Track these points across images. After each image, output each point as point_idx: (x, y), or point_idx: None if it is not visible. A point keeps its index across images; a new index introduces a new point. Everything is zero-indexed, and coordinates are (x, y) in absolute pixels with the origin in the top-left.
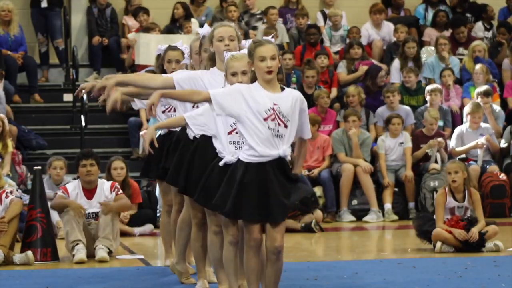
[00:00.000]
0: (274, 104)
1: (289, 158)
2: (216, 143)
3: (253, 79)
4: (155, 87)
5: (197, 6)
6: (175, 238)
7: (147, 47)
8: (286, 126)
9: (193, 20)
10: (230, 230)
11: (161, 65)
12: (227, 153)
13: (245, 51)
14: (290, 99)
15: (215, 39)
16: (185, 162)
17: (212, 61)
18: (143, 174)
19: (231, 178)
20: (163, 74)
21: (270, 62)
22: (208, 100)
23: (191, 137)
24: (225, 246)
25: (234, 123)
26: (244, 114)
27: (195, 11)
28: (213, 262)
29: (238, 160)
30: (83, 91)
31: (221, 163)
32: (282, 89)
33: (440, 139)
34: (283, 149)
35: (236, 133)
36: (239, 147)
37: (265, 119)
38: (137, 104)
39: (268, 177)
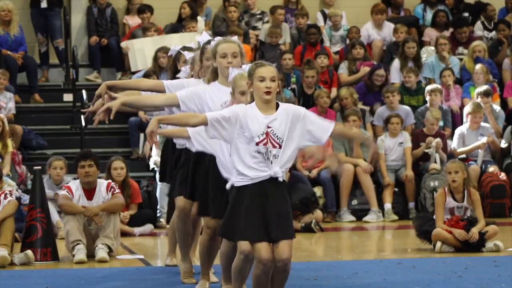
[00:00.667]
0: (268, 127)
1: (281, 178)
2: (220, 166)
3: (251, 101)
4: (160, 105)
5: (199, 6)
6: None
7: (142, 52)
8: (280, 147)
9: (199, 18)
10: (242, 244)
11: (174, 66)
12: (232, 174)
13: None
14: (285, 118)
15: (218, 55)
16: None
17: (214, 75)
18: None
19: (230, 204)
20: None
21: (269, 83)
22: (205, 123)
23: (192, 150)
24: (237, 256)
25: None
26: (237, 139)
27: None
28: (222, 265)
29: (232, 186)
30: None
31: (228, 186)
32: (277, 106)
33: (438, 139)
34: (275, 171)
35: (264, 144)
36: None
37: (257, 144)
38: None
39: (264, 196)
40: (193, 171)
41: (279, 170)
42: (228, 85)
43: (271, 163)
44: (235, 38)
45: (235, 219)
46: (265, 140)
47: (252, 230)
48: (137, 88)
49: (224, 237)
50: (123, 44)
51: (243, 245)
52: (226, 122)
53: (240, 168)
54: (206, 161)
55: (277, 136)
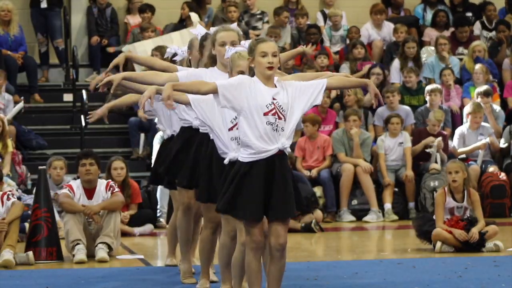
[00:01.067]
0: (273, 99)
1: (288, 150)
2: (217, 142)
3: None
4: (160, 83)
5: (201, 8)
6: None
7: (145, 54)
8: (285, 120)
9: (191, 14)
10: (243, 236)
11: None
12: (230, 150)
13: (246, 44)
14: (286, 91)
15: (217, 43)
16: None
17: (212, 60)
18: (155, 182)
19: (234, 179)
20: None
21: (271, 58)
22: (215, 91)
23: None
24: (237, 248)
25: (234, 119)
26: (247, 108)
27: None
28: (220, 263)
29: (238, 161)
30: (97, 84)
31: (225, 161)
32: (275, 86)
33: (439, 139)
34: (282, 142)
35: (237, 129)
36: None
37: (265, 114)
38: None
39: (271, 174)
40: (194, 156)
41: (286, 141)
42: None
43: (279, 135)
44: (234, 25)
45: (240, 198)
46: (274, 110)
47: (257, 209)
48: (152, 66)
49: (227, 213)
50: (124, 49)
51: (244, 237)
52: (235, 90)
53: (250, 140)
54: (209, 146)
55: (282, 108)
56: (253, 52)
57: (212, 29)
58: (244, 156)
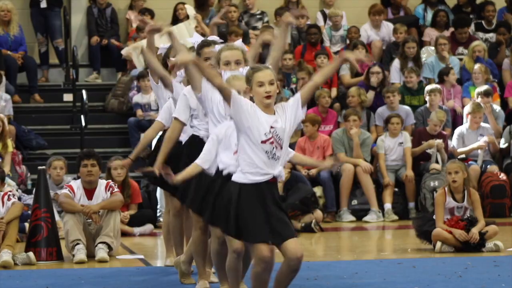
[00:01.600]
0: (271, 128)
1: (282, 179)
2: (224, 157)
3: None
4: (215, 85)
5: (203, 11)
6: (171, 239)
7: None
8: (281, 148)
9: (187, 6)
10: (234, 242)
11: (164, 63)
12: (234, 166)
13: (245, 71)
14: (283, 117)
15: (222, 63)
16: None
17: None
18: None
19: (227, 198)
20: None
21: (268, 87)
22: (228, 93)
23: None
24: (229, 255)
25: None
26: (245, 130)
27: (199, 14)
28: (217, 267)
29: (232, 181)
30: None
31: (225, 172)
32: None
33: (439, 140)
34: (279, 170)
35: (271, 143)
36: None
37: (262, 142)
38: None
39: (264, 198)
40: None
41: (282, 169)
42: None
43: (276, 162)
44: (238, 42)
45: (241, 219)
46: (271, 139)
47: (262, 231)
48: (208, 79)
49: (235, 237)
50: (124, 51)
51: (235, 244)
52: (244, 103)
53: (246, 167)
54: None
55: (278, 137)
56: (250, 81)
57: (216, 47)
58: (240, 176)
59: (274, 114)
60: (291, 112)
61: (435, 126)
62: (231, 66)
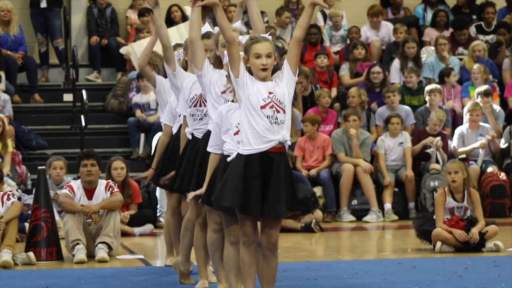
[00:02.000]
0: (270, 93)
1: (288, 143)
2: (228, 140)
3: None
4: (228, 38)
5: (205, 10)
6: (173, 239)
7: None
8: (284, 112)
9: (186, 7)
10: (232, 229)
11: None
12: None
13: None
14: (282, 83)
15: (220, 44)
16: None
17: (218, 61)
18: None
19: (231, 173)
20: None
21: (265, 59)
22: (236, 52)
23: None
24: (226, 246)
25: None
26: (244, 101)
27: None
28: (213, 260)
29: (238, 154)
30: None
31: (229, 159)
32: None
33: (438, 138)
34: (283, 135)
35: (270, 107)
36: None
37: (262, 107)
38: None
39: (268, 170)
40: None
41: (286, 133)
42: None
43: (280, 127)
44: (238, 24)
45: (238, 190)
46: (271, 104)
47: (256, 204)
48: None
49: (209, 204)
50: (122, 50)
51: (230, 236)
52: (242, 70)
53: (249, 135)
54: (201, 148)
55: (279, 101)
56: (248, 52)
57: (243, 37)
58: (244, 148)
59: (272, 81)
60: (287, 76)
61: (435, 126)
62: (263, 60)
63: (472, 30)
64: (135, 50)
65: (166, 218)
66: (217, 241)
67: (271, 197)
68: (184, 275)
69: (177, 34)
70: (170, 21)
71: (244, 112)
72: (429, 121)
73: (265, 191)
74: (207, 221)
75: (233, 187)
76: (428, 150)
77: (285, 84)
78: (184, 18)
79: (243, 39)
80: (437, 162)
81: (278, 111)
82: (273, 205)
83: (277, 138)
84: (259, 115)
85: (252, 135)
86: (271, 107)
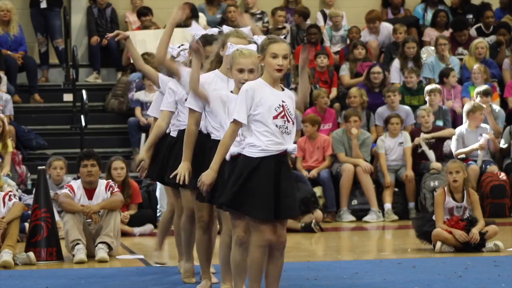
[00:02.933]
0: (283, 101)
1: (294, 155)
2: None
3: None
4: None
5: (212, 5)
6: (176, 239)
7: (143, 44)
8: (293, 123)
9: (200, 14)
10: (237, 231)
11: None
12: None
13: (251, 46)
14: (291, 97)
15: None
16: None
17: (218, 60)
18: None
19: (242, 174)
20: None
21: (282, 60)
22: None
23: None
24: (233, 247)
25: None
26: (253, 113)
27: (210, 9)
28: (221, 262)
29: (245, 156)
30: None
31: (227, 157)
32: (282, 89)
33: (422, 135)
34: (292, 146)
35: (282, 117)
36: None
37: (274, 117)
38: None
39: (278, 173)
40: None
41: (294, 145)
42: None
43: (289, 137)
44: (247, 30)
45: (246, 194)
46: (283, 113)
47: (266, 208)
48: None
49: (235, 209)
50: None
51: (239, 235)
52: (250, 103)
53: (256, 141)
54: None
55: (290, 112)
56: (264, 51)
57: (225, 28)
58: (253, 151)
59: (283, 90)
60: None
61: (423, 117)
62: (279, 61)
63: (472, 31)
64: (136, 39)
65: (175, 221)
66: (206, 240)
67: (285, 199)
68: (186, 273)
69: (182, 36)
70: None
71: (255, 121)
72: (417, 119)
73: (278, 193)
74: (196, 218)
75: (262, 197)
76: (420, 150)
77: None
78: (193, 16)
79: (259, 39)
80: (440, 160)
81: (288, 121)
82: (287, 207)
83: (285, 147)
84: (270, 125)
85: (265, 137)
86: (283, 116)
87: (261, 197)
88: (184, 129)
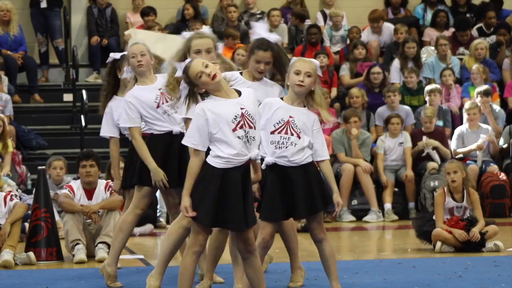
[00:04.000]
0: (242, 109)
1: (259, 160)
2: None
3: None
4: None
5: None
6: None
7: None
8: (254, 128)
9: (204, 26)
10: (264, 233)
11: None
12: (267, 154)
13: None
14: (250, 97)
15: (192, 51)
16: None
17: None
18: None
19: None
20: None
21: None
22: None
23: None
24: (189, 255)
25: (277, 123)
26: (216, 130)
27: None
28: (232, 261)
29: (210, 166)
30: None
31: (263, 166)
32: (239, 93)
33: (424, 138)
34: (254, 152)
35: (278, 133)
36: (279, 147)
37: (233, 130)
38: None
39: (245, 182)
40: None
41: (257, 151)
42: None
43: (252, 144)
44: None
45: (221, 206)
46: (241, 122)
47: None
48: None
49: (211, 225)
50: (127, 32)
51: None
52: (201, 132)
53: (221, 152)
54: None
55: (251, 116)
56: (290, 67)
57: (185, 34)
58: (217, 161)
59: (240, 94)
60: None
61: (426, 124)
62: (202, 55)
63: (473, 31)
64: (136, 37)
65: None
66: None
67: (251, 206)
68: (111, 278)
69: (162, 45)
70: (183, 19)
71: (214, 138)
72: (421, 119)
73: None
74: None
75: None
76: (424, 153)
77: (254, 102)
78: (196, 15)
79: (273, 37)
80: (443, 160)
81: (250, 127)
82: (250, 214)
83: (248, 156)
84: (232, 137)
85: (226, 151)
86: (241, 127)
87: (234, 209)
88: (154, 134)
